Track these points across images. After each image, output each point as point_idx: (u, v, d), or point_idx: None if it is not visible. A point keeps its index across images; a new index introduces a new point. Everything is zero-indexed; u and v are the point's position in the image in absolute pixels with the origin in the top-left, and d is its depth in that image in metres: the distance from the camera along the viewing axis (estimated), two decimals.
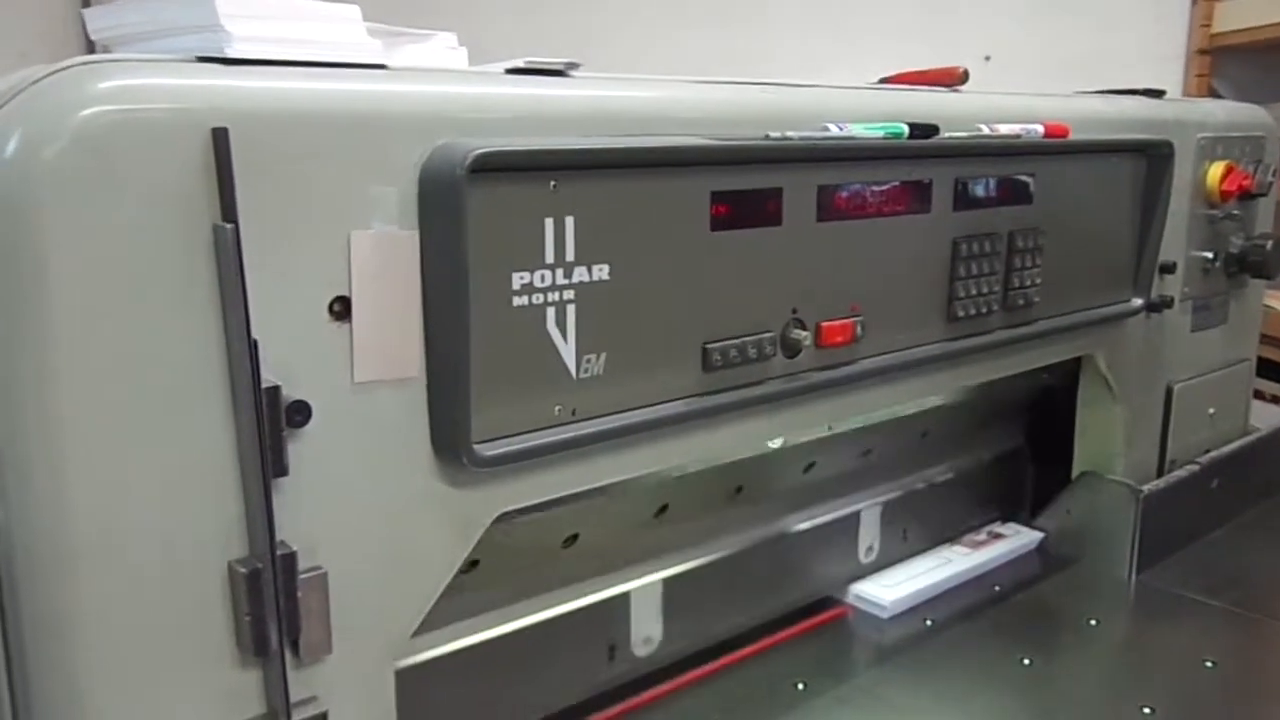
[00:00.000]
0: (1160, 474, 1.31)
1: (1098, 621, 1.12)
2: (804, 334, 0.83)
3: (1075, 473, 1.30)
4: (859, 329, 0.87)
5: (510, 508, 0.70)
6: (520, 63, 0.70)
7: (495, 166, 0.63)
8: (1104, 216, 1.12)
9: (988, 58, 2.13)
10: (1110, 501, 1.24)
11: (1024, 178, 1.01)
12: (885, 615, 1.11)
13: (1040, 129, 0.99)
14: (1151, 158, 1.14)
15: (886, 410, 1.04)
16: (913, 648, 1.07)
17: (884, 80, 1.07)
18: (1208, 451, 1.36)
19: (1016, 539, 1.27)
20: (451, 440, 0.65)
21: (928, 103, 0.95)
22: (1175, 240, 1.22)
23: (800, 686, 0.98)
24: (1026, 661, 1.03)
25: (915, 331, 0.94)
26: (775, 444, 0.97)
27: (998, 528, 1.29)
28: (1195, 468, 1.32)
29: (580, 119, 0.70)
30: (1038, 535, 1.28)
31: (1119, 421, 1.25)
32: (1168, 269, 1.22)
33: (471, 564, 0.79)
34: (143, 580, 0.56)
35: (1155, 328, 1.25)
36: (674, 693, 0.97)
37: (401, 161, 0.62)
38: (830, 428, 1.02)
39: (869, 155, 0.85)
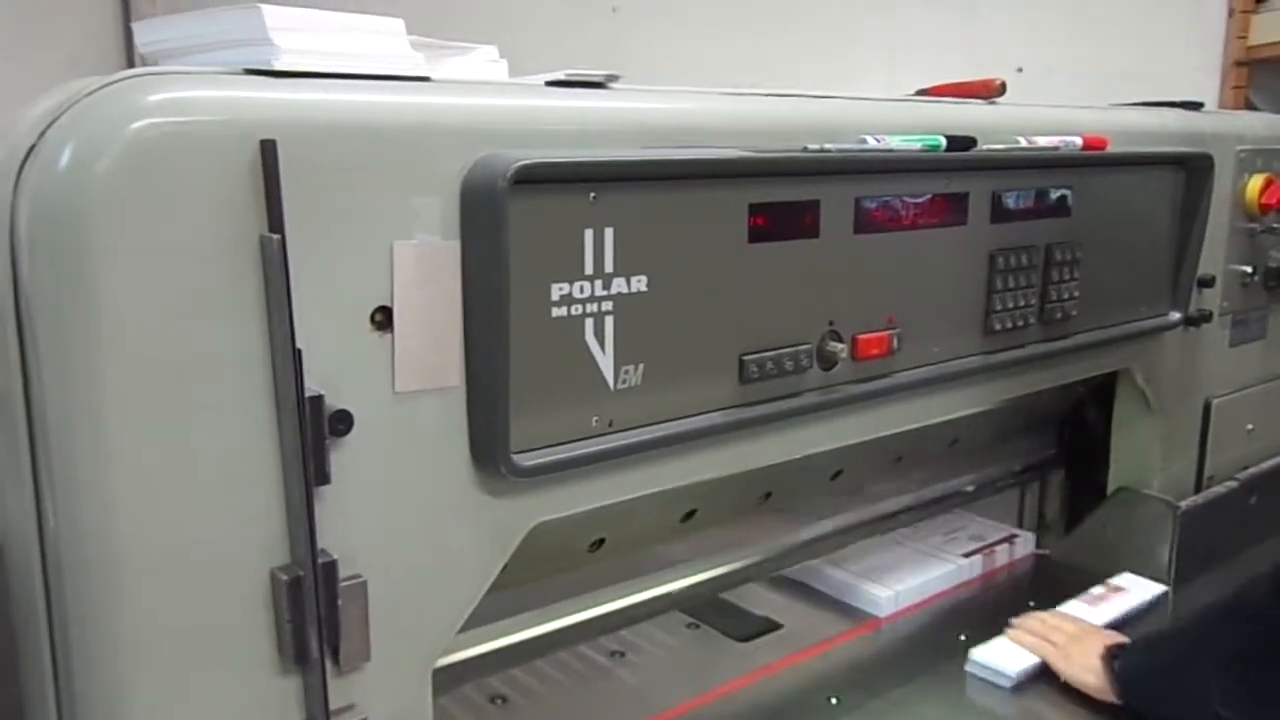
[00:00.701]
0: (1198, 490, 1.29)
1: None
2: (840, 346, 0.83)
3: (1111, 488, 1.28)
4: (895, 342, 0.87)
5: (547, 517, 0.70)
6: (561, 75, 0.70)
7: (537, 178, 0.63)
8: (1142, 229, 1.11)
9: (1020, 69, 2.12)
10: (1147, 517, 1.23)
11: (1062, 190, 1.01)
12: (1008, 685, 1.00)
13: (1078, 141, 0.99)
14: (1190, 170, 1.13)
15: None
16: (946, 663, 1.06)
17: (921, 92, 1.07)
18: (1246, 468, 1.34)
19: (1139, 592, 1.17)
20: (490, 450, 0.65)
21: (965, 115, 0.95)
22: (1214, 254, 1.21)
23: (833, 701, 0.98)
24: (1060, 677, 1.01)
25: (952, 344, 0.93)
26: None
27: (1115, 580, 1.20)
28: (1234, 484, 1.30)
29: (620, 131, 0.71)
30: (1161, 588, 1.18)
31: (1156, 436, 1.24)
32: (1206, 283, 1.20)
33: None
34: (185, 586, 0.57)
35: (1193, 342, 1.23)
36: (705, 705, 0.97)
37: (444, 172, 0.62)
38: None
39: (907, 168, 0.85)
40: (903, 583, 1.15)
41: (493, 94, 0.67)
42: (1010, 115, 0.98)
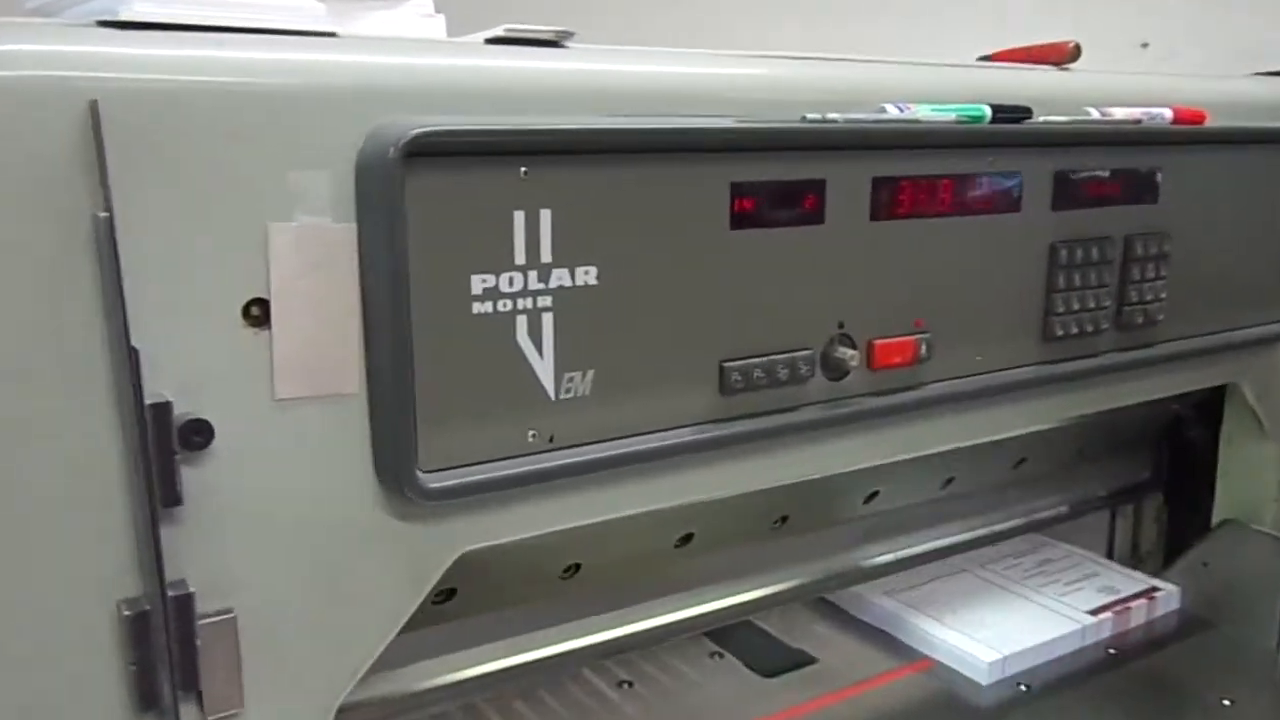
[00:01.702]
0: None
1: (1233, 702, 0.94)
2: (852, 353, 0.70)
3: (1216, 519, 1.11)
4: (923, 348, 0.74)
5: (474, 546, 0.61)
6: (500, 31, 0.60)
7: (444, 149, 0.53)
8: (1252, 220, 0.94)
9: (1145, 45, 1.91)
10: (1257, 556, 1.06)
11: (1147, 172, 0.85)
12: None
13: (1168, 114, 0.83)
14: None
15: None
16: (1002, 717, 0.92)
17: (982, 59, 0.92)
18: None
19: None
20: (395, 468, 0.56)
21: (1025, 82, 0.80)
22: None
23: None
24: None
25: (999, 352, 0.79)
26: None
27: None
28: None
29: (573, 97, 0.60)
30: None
31: (1271, 463, 1.06)
32: None
33: (448, 593, 0.71)
34: (19, 621, 0.49)
35: None
36: None
37: (336, 144, 0.53)
38: None
39: (937, 142, 0.72)
40: (1009, 643, 0.95)
41: (411, 52, 0.57)
42: (1082, 83, 0.83)
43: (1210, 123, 0.85)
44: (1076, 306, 0.82)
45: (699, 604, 0.85)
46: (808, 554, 0.94)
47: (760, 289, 0.66)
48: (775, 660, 1.01)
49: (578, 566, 0.76)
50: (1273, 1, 1.76)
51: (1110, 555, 1.22)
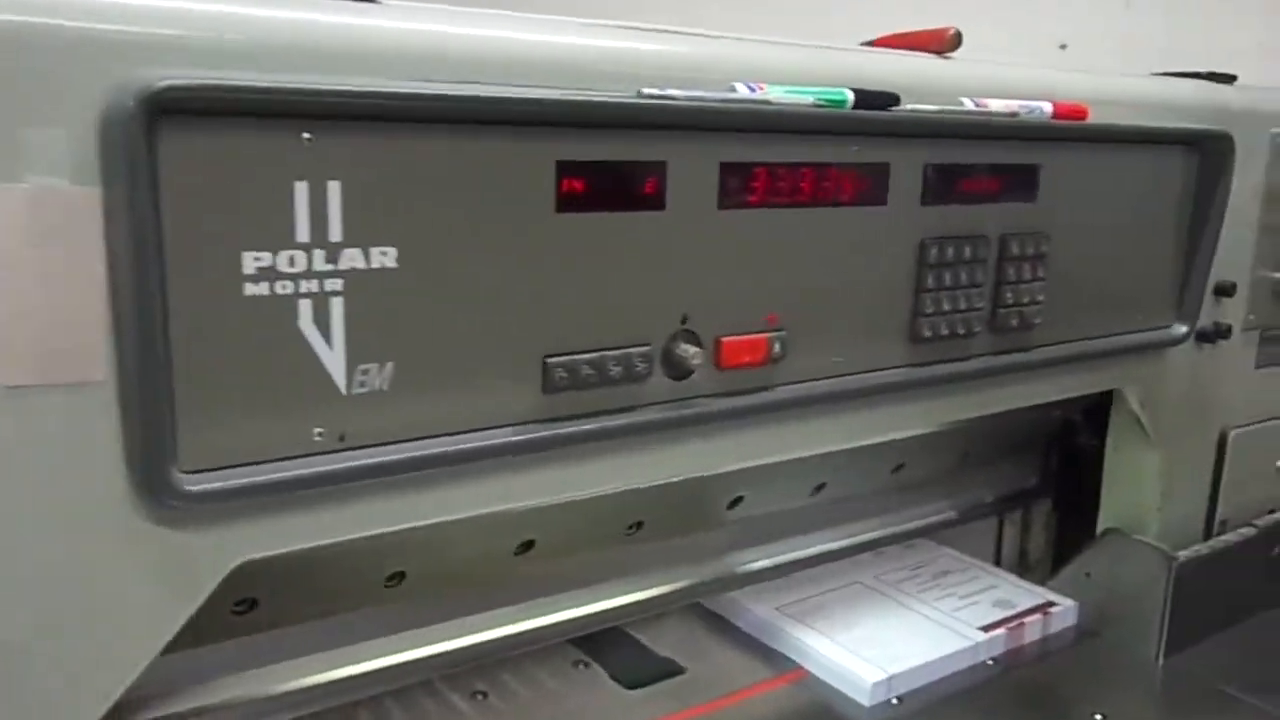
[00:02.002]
0: (1208, 536, 1.09)
1: (1105, 716, 0.91)
2: (696, 350, 0.65)
3: (1100, 528, 1.09)
4: (776, 347, 0.69)
5: (254, 555, 0.54)
6: None
7: (206, 108, 0.47)
8: (1138, 223, 0.91)
9: (1064, 46, 1.89)
10: (1137, 566, 1.03)
11: (1025, 168, 0.81)
12: None
13: (1047, 108, 0.79)
14: (1205, 153, 0.92)
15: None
16: None
17: (865, 44, 0.88)
18: (1272, 511, 1.13)
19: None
20: (149, 467, 0.49)
21: (897, 69, 0.76)
22: (1237, 256, 1.00)
23: None
24: None
25: (862, 353, 0.75)
26: None
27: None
28: (1250, 531, 1.09)
29: (378, 58, 0.54)
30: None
31: (1155, 472, 1.04)
32: (1225, 290, 1.00)
33: (249, 603, 0.64)
34: None
35: (1207, 361, 1.03)
36: None
37: (77, 96, 0.46)
38: None
39: (795, 127, 0.67)
40: (896, 661, 0.91)
41: None
42: (960, 72, 0.79)
43: (1098, 120, 0.82)
44: (947, 307, 0.78)
45: (543, 614, 0.79)
46: (672, 560, 0.89)
47: (591, 279, 0.61)
48: (641, 670, 0.96)
49: (402, 574, 0.70)
50: (1186, 13, 1.75)
51: (998, 563, 1.19)
